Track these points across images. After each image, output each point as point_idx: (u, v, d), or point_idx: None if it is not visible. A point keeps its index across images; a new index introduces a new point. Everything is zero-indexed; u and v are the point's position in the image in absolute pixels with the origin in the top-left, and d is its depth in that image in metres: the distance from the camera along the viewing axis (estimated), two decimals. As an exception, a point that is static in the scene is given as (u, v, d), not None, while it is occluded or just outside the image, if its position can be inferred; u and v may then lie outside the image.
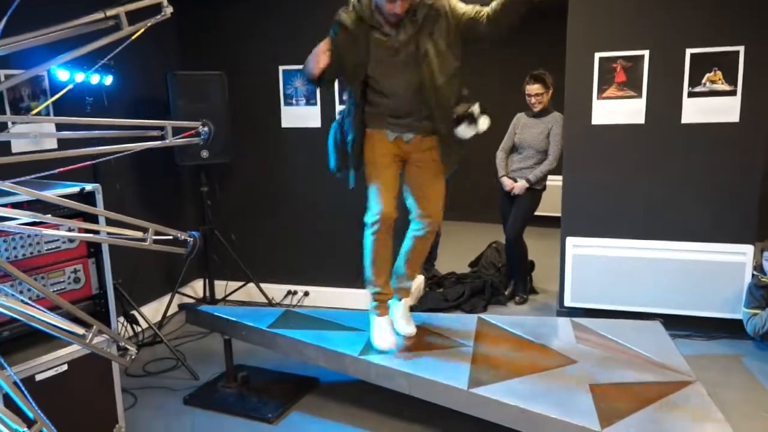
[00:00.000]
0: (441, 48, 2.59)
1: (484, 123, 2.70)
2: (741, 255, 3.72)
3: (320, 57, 2.66)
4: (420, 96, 2.66)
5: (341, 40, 2.65)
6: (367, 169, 2.82)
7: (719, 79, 3.62)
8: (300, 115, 4.51)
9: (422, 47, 2.59)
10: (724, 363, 3.53)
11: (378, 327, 2.90)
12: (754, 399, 3.10)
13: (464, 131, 2.70)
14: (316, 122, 4.47)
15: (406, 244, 3.02)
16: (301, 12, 4.36)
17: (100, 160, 2.02)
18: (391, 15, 2.56)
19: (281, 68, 4.48)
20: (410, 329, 3.00)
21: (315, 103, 4.45)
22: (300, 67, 4.38)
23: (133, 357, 2.07)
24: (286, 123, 4.55)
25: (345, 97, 2.88)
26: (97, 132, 2.40)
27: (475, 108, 2.69)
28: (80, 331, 1.90)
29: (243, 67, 4.51)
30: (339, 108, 4.36)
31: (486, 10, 2.55)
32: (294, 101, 4.51)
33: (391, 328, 2.92)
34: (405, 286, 3.06)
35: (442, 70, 2.61)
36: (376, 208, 2.77)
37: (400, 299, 3.05)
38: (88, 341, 1.90)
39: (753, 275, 3.71)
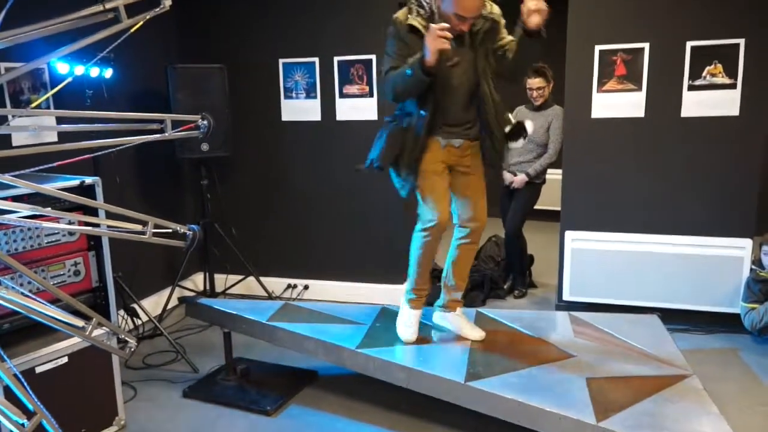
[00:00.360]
0: (491, 58, 2.68)
1: (530, 128, 2.88)
2: (739, 249, 3.73)
3: (438, 41, 2.40)
4: (475, 105, 2.72)
5: (413, 45, 2.57)
6: (420, 177, 2.77)
7: (719, 73, 3.61)
8: (300, 109, 4.51)
9: (481, 59, 2.65)
10: (722, 357, 3.54)
11: (406, 318, 2.96)
12: (751, 393, 3.12)
13: (517, 143, 2.84)
14: (316, 116, 4.48)
15: (452, 254, 3.04)
16: (301, 5, 4.36)
17: (100, 153, 2.02)
18: (456, 30, 2.56)
19: (281, 61, 4.47)
20: (479, 333, 2.99)
21: (315, 97, 4.45)
22: (299, 60, 4.42)
23: (132, 349, 2.09)
24: (286, 116, 4.56)
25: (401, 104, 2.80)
26: (97, 125, 2.41)
27: (511, 117, 2.82)
28: (80, 323, 1.92)
29: (243, 60, 4.50)
30: (339, 101, 4.38)
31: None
32: (294, 94, 4.51)
33: (417, 322, 2.96)
34: (455, 297, 3.07)
35: (490, 78, 2.70)
36: (431, 215, 2.77)
37: (454, 310, 3.06)
38: (87, 334, 1.91)
39: (751, 269, 3.72)
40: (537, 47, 2.55)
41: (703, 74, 3.65)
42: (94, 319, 1.92)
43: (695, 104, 3.69)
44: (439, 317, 3.09)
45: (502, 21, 2.70)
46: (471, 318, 3.24)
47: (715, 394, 2.78)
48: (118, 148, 2.03)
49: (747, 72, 3.58)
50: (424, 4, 2.63)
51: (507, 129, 2.79)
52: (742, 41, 3.56)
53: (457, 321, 3.03)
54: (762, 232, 3.84)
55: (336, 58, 4.34)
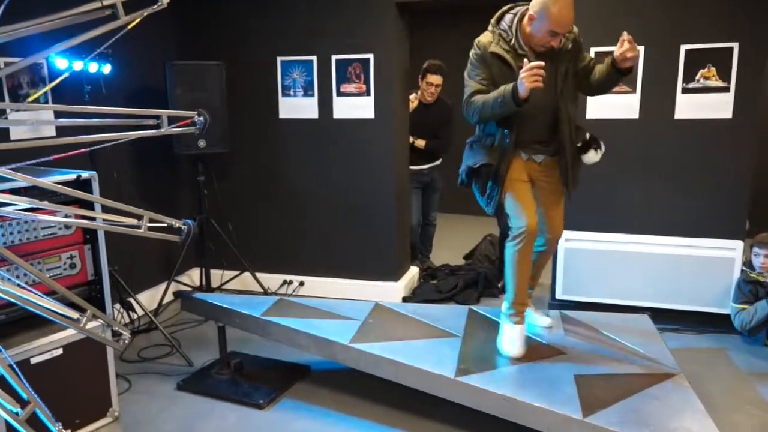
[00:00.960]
0: (571, 79, 2.76)
1: (603, 149, 2.88)
2: (730, 250, 3.76)
3: (534, 78, 2.49)
4: (552, 123, 2.78)
5: (496, 71, 2.69)
6: (505, 186, 2.83)
7: (713, 76, 3.65)
8: (298, 106, 4.54)
9: (561, 79, 2.72)
10: (711, 356, 3.58)
11: (511, 334, 2.86)
12: (739, 392, 3.15)
13: (592, 157, 2.87)
14: (313, 113, 4.51)
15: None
16: (300, 4, 4.39)
17: (95, 147, 2.06)
18: (541, 46, 2.65)
19: (279, 59, 4.50)
20: (548, 320, 3.20)
21: (312, 95, 4.49)
22: (297, 58, 4.45)
23: (126, 341, 2.11)
24: (283, 114, 4.59)
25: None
26: (94, 120, 2.44)
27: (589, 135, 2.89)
28: (75, 315, 1.95)
29: (242, 57, 4.54)
30: (336, 100, 4.41)
31: (597, 67, 2.78)
32: (292, 92, 4.54)
33: (524, 336, 2.88)
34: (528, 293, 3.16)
35: (573, 100, 2.82)
36: (521, 221, 2.78)
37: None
38: (82, 325, 1.94)
39: (742, 271, 3.75)
40: (620, 77, 2.71)
41: (697, 77, 3.68)
42: (88, 311, 1.96)
43: (689, 107, 3.72)
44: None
45: (581, 39, 2.80)
46: (463, 315, 3.29)
47: (703, 393, 2.83)
48: (113, 142, 2.06)
49: (740, 75, 3.61)
50: (509, 30, 2.71)
51: (579, 144, 2.86)
52: (735, 45, 3.59)
53: (530, 312, 3.14)
54: (754, 234, 3.88)
55: (334, 57, 4.37)
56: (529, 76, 2.47)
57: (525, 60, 2.55)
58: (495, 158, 2.78)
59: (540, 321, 3.20)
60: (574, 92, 2.84)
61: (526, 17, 2.64)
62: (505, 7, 2.76)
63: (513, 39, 2.70)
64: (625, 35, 2.59)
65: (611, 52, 3.77)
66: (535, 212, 2.86)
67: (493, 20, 2.77)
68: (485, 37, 2.73)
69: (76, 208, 2.40)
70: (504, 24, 2.73)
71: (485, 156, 2.80)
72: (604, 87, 2.83)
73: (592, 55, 3.83)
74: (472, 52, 2.76)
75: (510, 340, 2.85)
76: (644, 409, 2.39)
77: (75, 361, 2.70)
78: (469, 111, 2.75)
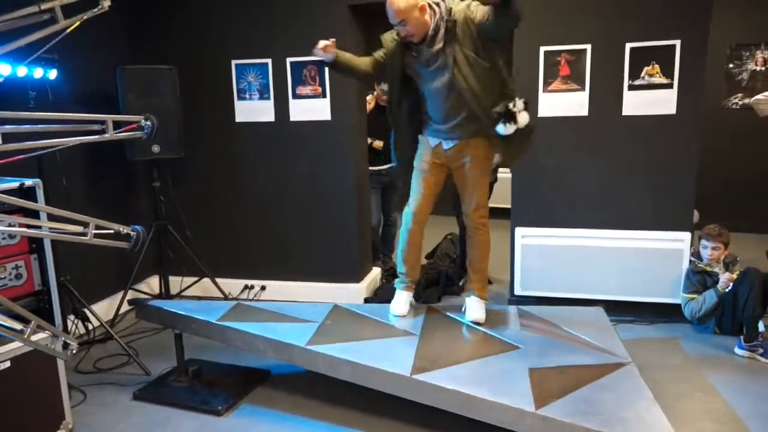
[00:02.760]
0: (468, 53, 2.85)
1: (523, 118, 2.93)
2: (679, 242, 3.87)
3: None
4: (459, 100, 2.94)
5: (386, 56, 3.07)
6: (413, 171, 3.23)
7: (657, 73, 3.76)
8: (254, 110, 4.52)
9: (450, 56, 2.87)
10: (663, 345, 3.68)
11: (398, 297, 3.34)
12: (688, 380, 3.24)
13: (503, 129, 2.94)
14: (269, 116, 4.49)
15: (467, 250, 3.41)
16: (254, 6, 4.37)
17: (33, 154, 2.01)
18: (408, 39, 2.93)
19: (234, 62, 4.47)
20: (477, 315, 3.22)
21: (268, 98, 4.47)
22: (251, 61, 4.43)
23: (74, 351, 2.07)
24: (240, 117, 4.56)
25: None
26: (39, 126, 2.38)
27: (517, 104, 2.93)
28: (18, 326, 1.91)
29: (195, 61, 4.49)
30: (293, 102, 4.41)
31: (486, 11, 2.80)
32: (247, 95, 4.51)
33: (407, 300, 3.33)
34: (471, 286, 3.35)
35: (474, 73, 2.87)
36: (410, 204, 3.23)
37: (470, 295, 3.32)
38: (26, 337, 1.90)
39: (690, 261, 3.87)
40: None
41: (642, 74, 3.78)
42: (32, 322, 1.91)
43: (635, 103, 3.82)
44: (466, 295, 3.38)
45: (470, 11, 2.84)
46: (421, 313, 3.32)
47: (654, 382, 2.91)
48: (53, 149, 2.01)
49: (682, 72, 3.72)
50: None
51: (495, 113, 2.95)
52: (677, 42, 3.70)
53: (466, 302, 3.32)
54: (703, 226, 4.00)
55: (289, 59, 4.36)
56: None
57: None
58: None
59: (469, 314, 3.23)
60: (481, 66, 2.88)
61: None
62: None
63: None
64: None
65: (560, 51, 3.90)
66: (426, 199, 3.21)
67: None
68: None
69: (20, 217, 2.35)
70: None
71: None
72: (499, 24, 2.75)
73: (542, 53, 3.94)
74: None
75: (396, 301, 3.32)
76: (595, 399, 2.45)
77: (24, 374, 2.62)
78: None
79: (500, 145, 3.07)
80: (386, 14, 2.86)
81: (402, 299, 3.32)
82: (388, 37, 3.05)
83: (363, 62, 3.15)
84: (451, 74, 2.87)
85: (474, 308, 3.23)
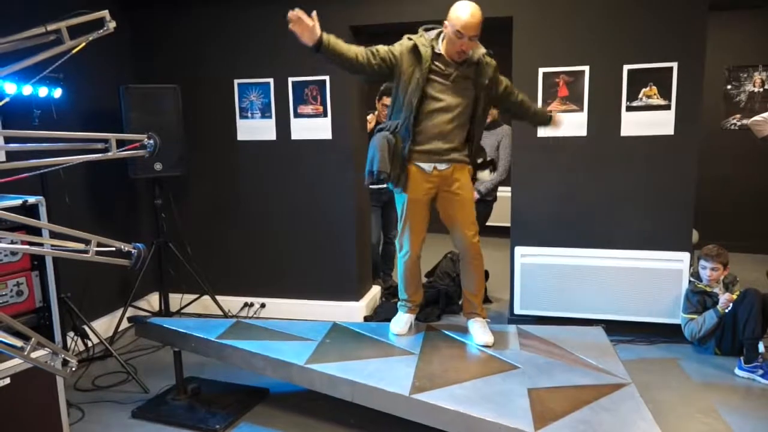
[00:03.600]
0: (483, 103, 3.05)
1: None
2: (678, 262, 3.88)
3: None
4: (462, 123, 3.04)
5: (409, 61, 2.96)
6: (404, 201, 3.13)
7: (654, 94, 3.80)
8: (255, 128, 4.56)
9: (472, 89, 3.00)
10: (663, 366, 3.67)
11: (398, 317, 3.34)
12: (689, 401, 3.23)
13: (485, 175, 3.46)
14: (271, 135, 4.53)
15: (463, 277, 3.34)
16: (255, 26, 4.43)
17: (37, 172, 2.04)
18: (456, 53, 2.92)
19: (236, 81, 4.52)
20: (485, 338, 3.17)
21: (270, 116, 4.51)
22: (254, 80, 4.48)
23: (73, 369, 2.08)
24: (241, 136, 4.59)
25: (393, 114, 3.11)
26: (44, 144, 2.41)
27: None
28: (19, 343, 1.91)
29: (198, 80, 4.54)
30: (294, 121, 4.44)
31: (514, 93, 3.22)
32: (249, 114, 4.55)
33: (408, 322, 3.33)
34: (473, 310, 3.32)
35: (480, 106, 3.05)
36: (406, 244, 3.21)
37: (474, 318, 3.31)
38: (26, 354, 1.91)
39: (690, 281, 3.87)
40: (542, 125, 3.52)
41: (640, 96, 3.83)
42: (33, 339, 1.92)
43: (633, 124, 3.86)
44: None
45: (496, 69, 3.06)
46: (421, 332, 3.32)
47: (654, 402, 2.91)
48: (57, 167, 2.04)
49: (680, 93, 3.77)
50: (432, 37, 3.01)
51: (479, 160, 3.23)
52: (675, 64, 3.75)
53: (471, 326, 3.27)
54: (702, 245, 4.01)
55: (291, 79, 4.41)
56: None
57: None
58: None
59: (478, 338, 3.18)
60: (483, 116, 3.14)
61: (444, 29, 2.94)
62: (429, 26, 3.05)
63: (435, 42, 2.97)
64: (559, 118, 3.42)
65: (558, 73, 3.98)
66: (420, 235, 3.22)
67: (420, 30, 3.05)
68: (406, 37, 3.02)
69: (23, 234, 2.37)
70: (430, 34, 3.02)
71: None
72: (521, 116, 3.39)
73: (540, 74, 3.99)
74: (397, 45, 3.01)
75: (396, 321, 3.32)
76: (595, 420, 2.43)
77: (23, 391, 2.62)
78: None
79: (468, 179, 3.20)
80: (463, 22, 2.80)
81: (403, 319, 3.33)
82: (423, 41, 2.94)
83: (357, 52, 2.90)
84: (473, 96, 3.00)
85: (481, 332, 3.20)
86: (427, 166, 3.05)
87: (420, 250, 3.24)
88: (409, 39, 2.98)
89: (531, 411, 2.46)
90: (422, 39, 2.96)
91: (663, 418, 2.74)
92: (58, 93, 3.47)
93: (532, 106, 3.35)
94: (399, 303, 3.39)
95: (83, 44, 2.02)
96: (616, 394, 2.67)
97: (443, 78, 2.96)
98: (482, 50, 3.00)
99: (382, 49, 2.96)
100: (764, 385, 3.38)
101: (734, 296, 3.67)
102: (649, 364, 3.69)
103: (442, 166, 3.06)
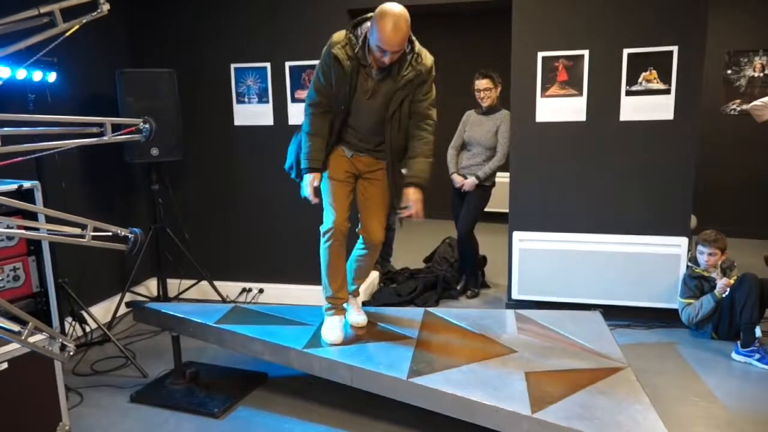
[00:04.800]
0: (405, 108, 2.81)
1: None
2: (676, 247, 3.88)
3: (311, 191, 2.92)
4: (379, 136, 2.89)
5: (336, 74, 2.75)
6: (325, 182, 2.96)
7: (654, 78, 3.77)
8: (253, 113, 4.53)
9: (395, 102, 2.77)
10: (660, 350, 3.68)
11: (329, 323, 3.05)
12: (686, 384, 3.25)
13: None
14: (268, 120, 4.50)
15: (351, 260, 3.18)
16: (253, 10, 4.39)
17: (30, 156, 2.02)
18: (378, 61, 2.68)
19: (233, 66, 4.49)
20: (363, 320, 3.18)
21: (267, 101, 4.48)
22: (251, 65, 4.44)
23: (71, 353, 2.08)
24: (238, 121, 4.57)
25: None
26: (38, 129, 2.39)
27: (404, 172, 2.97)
28: (16, 328, 1.91)
29: (194, 65, 4.51)
30: (291, 106, 4.42)
31: (423, 121, 2.85)
32: (246, 99, 4.52)
33: (341, 325, 3.05)
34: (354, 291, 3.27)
35: (402, 127, 2.86)
36: (329, 219, 2.94)
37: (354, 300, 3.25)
38: (23, 338, 1.90)
39: (687, 266, 3.88)
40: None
41: (639, 80, 3.80)
42: (30, 324, 1.92)
43: (632, 108, 3.84)
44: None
45: (432, 75, 2.81)
46: (419, 317, 3.32)
47: (652, 386, 2.92)
48: (52, 151, 2.02)
49: (680, 77, 3.74)
50: (359, 39, 2.70)
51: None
52: (675, 48, 3.72)
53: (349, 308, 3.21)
54: (700, 230, 4.01)
55: (288, 63, 4.38)
56: (308, 186, 2.88)
57: (307, 177, 2.92)
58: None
59: (354, 319, 3.18)
60: (405, 121, 2.86)
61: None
62: (369, 14, 2.71)
63: (358, 48, 2.69)
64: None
65: (557, 57, 3.91)
66: (346, 211, 2.96)
67: (350, 24, 2.77)
68: (338, 36, 2.74)
69: (19, 219, 2.35)
70: (360, 30, 2.72)
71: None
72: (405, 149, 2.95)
73: (539, 58, 3.95)
74: (324, 48, 2.78)
75: (329, 328, 3.01)
76: (592, 403, 2.45)
77: (21, 375, 2.62)
78: (303, 124, 2.93)
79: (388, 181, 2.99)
80: (385, 40, 2.55)
81: (334, 324, 3.03)
82: (343, 54, 2.70)
83: (327, 124, 2.89)
84: (386, 111, 2.79)
85: (356, 313, 3.22)
86: (348, 153, 2.98)
87: (343, 226, 2.93)
88: (332, 47, 2.72)
89: (528, 394, 2.47)
90: (346, 50, 2.70)
91: (660, 402, 2.76)
92: (52, 77, 3.44)
93: (415, 155, 2.89)
94: (324, 306, 3.10)
95: (76, 27, 1.98)
96: (613, 377, 2.69)
97: (368, 82, 2.76)
98: (416, 52, 2.73)
99: (318, 94, 2.86)
100: (761, 369, 3.40)
101: (732, 281, 3.68)
102: (646, 348, 3.70)
103: (361, 155, 2.98)
